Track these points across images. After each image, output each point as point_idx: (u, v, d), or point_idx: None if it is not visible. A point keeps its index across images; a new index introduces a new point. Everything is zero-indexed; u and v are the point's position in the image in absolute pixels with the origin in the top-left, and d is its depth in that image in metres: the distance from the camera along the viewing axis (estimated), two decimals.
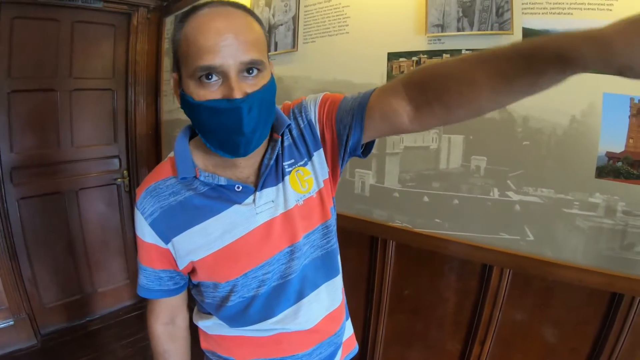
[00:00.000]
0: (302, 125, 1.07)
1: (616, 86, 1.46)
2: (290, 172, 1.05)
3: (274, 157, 1.03)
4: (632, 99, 1.45)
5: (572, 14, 1.52)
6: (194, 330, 1.26)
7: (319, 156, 1.08)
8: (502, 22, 1.65)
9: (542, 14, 1.58)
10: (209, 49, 0.81)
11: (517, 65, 0.71)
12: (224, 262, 1.02)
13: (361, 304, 2.40)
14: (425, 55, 1.85)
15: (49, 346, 3.11)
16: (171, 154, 1.06)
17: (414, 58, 1.89)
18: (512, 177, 1.72)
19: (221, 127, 0.88)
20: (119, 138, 3.45)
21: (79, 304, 3.42)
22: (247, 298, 1.05)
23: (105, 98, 3.34)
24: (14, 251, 2.93)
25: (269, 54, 0.99)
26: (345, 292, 1.31)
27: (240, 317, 1.08)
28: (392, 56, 1.96)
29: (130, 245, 3.58)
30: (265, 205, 1.02)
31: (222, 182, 0.99)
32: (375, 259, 2.25)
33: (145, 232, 1.03)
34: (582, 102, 1.53)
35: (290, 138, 1.07)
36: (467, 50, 1.75)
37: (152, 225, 1.01)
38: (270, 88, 0.92)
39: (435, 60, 1.83)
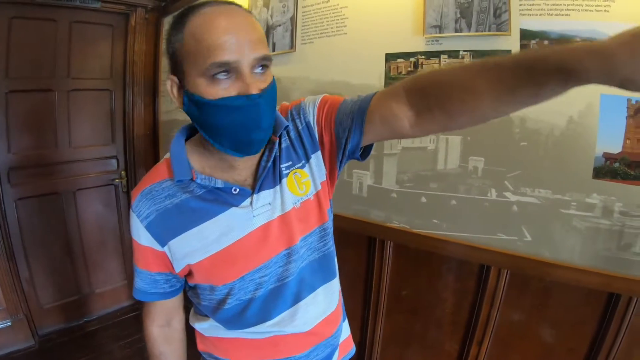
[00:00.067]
0: (300, 127, 1.06)
1: (613, 87, 1.46)
2: (287, 174, 1.05)
3: (272, 159, 1.03)
4: (629, 100, 1.46)
5: (569, 15, 1.52)
6: (190, 332, 1.25)
7: (316, 158, 1.07)
8: (500, 23, 1.65)
9: (540, 15, 1.58)
10: (222, 45, 0.80)
11: (519, 76, 0.71)
12: (220, 265, 1.01)
13: (359, 305, 2.40)
14: (423, 56, 1.86)
15: (46, 347, 3.10)
16: (167, 155, 1.04)
17: (412, 59, 1.89)
18: (509, 177, 1.72)
19: (238, 125, 0.87)
20: (116, 138, 3.44)
21: (77, 305, 3.40)
22: (244, 301, 1.05)
23: (103, 98, 3.33)
24: (11, 252, 2.92)
25: None
26: (343, 292, 1.31)
27: (237, 319, 1.08)
28: (390, 57, 1.97)
29: (128, 246, 3.56)
30: (263, 208, 1.01)
31: (219, 184, 0.98)
32: (373, 260, 2.25)
33: (141, 235, 1.02)
34: (579, 102, 1.53)
35: (288, 140, 1.06)
36: (465, 51, 1.75)
37: (148, 228, 1.00)
38: (275, 84, 0.93)
39: (436, 66, 1.84)
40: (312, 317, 1.13)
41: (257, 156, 1.03)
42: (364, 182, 2.18)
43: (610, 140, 1.51)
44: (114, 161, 3.47)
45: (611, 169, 1.51)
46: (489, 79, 0.75)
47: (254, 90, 0.84)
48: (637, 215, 1.50)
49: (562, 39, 1.54)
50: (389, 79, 1.98)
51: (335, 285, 1.23)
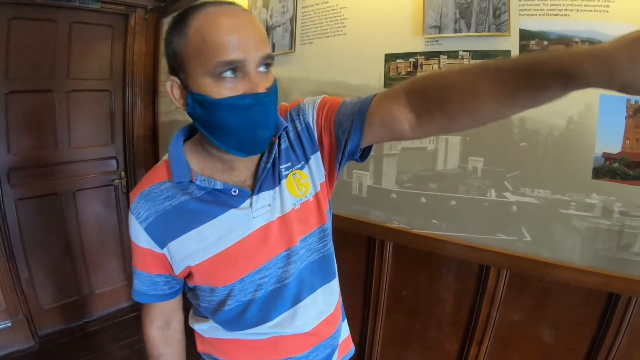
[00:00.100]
0: (299, 128, 1.06)
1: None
2: (287, 175, 1.05)
3: (271, 160, 1.02)
4: (628, 100, 1.46)
5: (569, 15, 1.52)
6: (189, 333, 1.25)
7: (316, 159, 1.07)
8: (499, 24, 1.65)
9: (539, 15, 1.58)
10: (229, 44, 0.80)
11: (519, 79, 0.72)
12: (220, 267, 1.01)
13: (359, 305, 2.40)
14: (423, 57, 1.86)
15: (46, 348, 3.10)
16: (165, 157, 1.04)
17: (411, 59, 1.89)
18: (509, 178, 1.72)
19: (245, 124, 0.87)
20: (116, 139, 3.44)
21: (77, 306, 3.40)
22: (244, 302, 1.05)
23: (103, 99, 3.33)
24: (11, 252, 2.92)
25: None
26: (343, 293, 1.31)
27: (237, 321, 1.08)
28: (390, 57, 1.97)
29: (128, 246, 3.51)
30: (262, 209, 1.01)
31: (219, 186, 0.98)
32: (373, 260, 2.25)
33: (140, 237, 1.02)
34: (579, 103, 1.53)
35: (287, 141, 1.06)
36: (464, 51, 1.75)
37: (147, 229, 1.00)
38: (276, 84, 0.93)
39: (436, 66, 1.84)
40: (311, 318, 1.13)
41: (256, 157, 1.03)
42: (363, 183, 2.19)
43: (610, 140, 1.51)
44: (113, 162, 3.47)
45: (610, 169, 1.51)
46: (490, 82, 0.76)
47: (261, 89, 0.84)
48: (637, 215, 1.50)
49: (562, 40, 1.54)
50: (388, 79, 1.98)
51: (334, 285, 1.23)
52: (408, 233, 2.04)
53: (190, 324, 1.23)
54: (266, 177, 1.02)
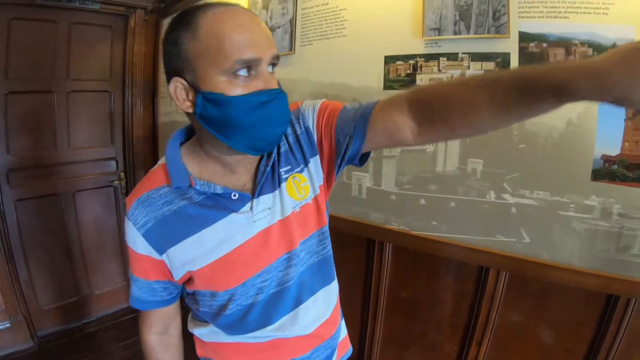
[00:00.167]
0: (299, 132, 1.06)
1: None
2: (286, 178, 1.04)
3: (270, 163, 1.02)
4: None
5: (568, 17, 1.53)
6: (187, 338, 1.24)
7: (315, 163, 1.08)
8: (499, 26, 1.66)
9: (539, 17, 1.58)
10: (246, 42, 0.81)
11: (516, 93, 0.75)
12: (222, 271, 1.00)
13: (358, 306, 2.40)
14: (422, 59, 1.86)
15: (45, 348, 3.10)
16: (162, 161, 1.03)
17: (411, 61, 1.90)
18: (508, 179, 1.73)
19: (262, 120, 0.86)
20: (116, 140, 3.44)
21: (76, 306, 3.40)
22: (245, 306, 1.04)
23: (102, 100, 3.32)
24: (10, 253, 2.92)
25: None
26: (342, 294, 1.31)
27: (238, 324, 1.07)
28: (389, 59, 1.97)
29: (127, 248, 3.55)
30: (263, 213, 1.01)
31: (219, 190, 0.97)
32: (372, 262, 2.25)
33: (138, 243, 1.00)
34: (578, 105, 1.53)
35: (286, 144, 1.06)
36: (464, 53, 1.76)
37: (146, 236, 0.98)
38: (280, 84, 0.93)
39: (435, 68, 1.84)
40: (312, 320, 1.13)
41: (255, 161, 1.03)
42: (363, 184, 2.19)
43: (609, 142, 1.51)
44: (113, 163, 3.47)
45: (610, 171, 1.52)
46: (489, 94, 0.79)
47: (275, 86, 0.86)
48: (636, 217, 1.50)
49: (561, 42, 1.55)
50: (388, 81, 1.99)
51: (334, 287, 1.23)
52: (407, 235, 2.04)
53: (190, 329, 1.22)
54: (266, 181, 1.02)
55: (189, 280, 1.06)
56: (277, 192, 1.03)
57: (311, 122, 1.05)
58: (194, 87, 0.86)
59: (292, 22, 2.34)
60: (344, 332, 1.35)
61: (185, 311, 1.22)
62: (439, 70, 1.83)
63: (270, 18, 2.45)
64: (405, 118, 0.91)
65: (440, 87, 0.94)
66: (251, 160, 1.01)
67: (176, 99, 0.89)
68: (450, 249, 1.91)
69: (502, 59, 1.68)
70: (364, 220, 2.21)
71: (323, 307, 1.17)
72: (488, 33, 1.69)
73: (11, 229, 2.94)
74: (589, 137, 1.54)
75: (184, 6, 3.03)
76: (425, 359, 2.20)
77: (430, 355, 2.17)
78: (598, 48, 1.50)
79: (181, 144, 1.05)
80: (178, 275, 1.03)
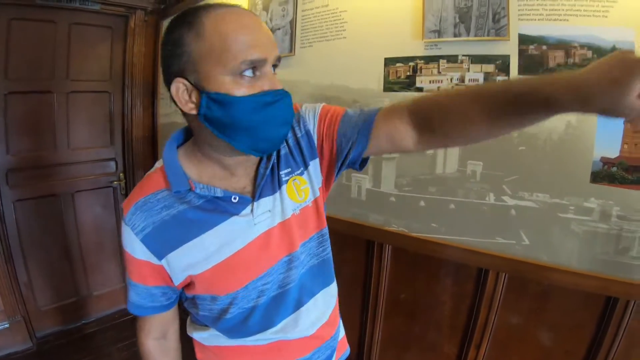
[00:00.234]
0: (299, 135, 1.06)
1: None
2: (287, 181, 1.05)
3: (270, 166, 1.02)
4: None
5: (568, 20, 1.53)
6: (185, 342, 1.23)
7: (314, 165, 1.08)
8: (499, 28, 1.66)
9: (539, 20, 1.59)
10: (253, 43, 0.81)
11: (507, 106, 0.81)
12: (223, 275, 0.99)
13: (357, 308, 2.40)
14: (422, 61, 1.86)
15: (44, 349, 3.10)
16: (159, 164, 1.02)
17: (411, 63, 1.90)
18: (507, 181, 1.73)
19: (268, 120, 0.86)
20: (115, 141, 3.44)
21: (75, 307, 3.40)
22: (247, 309, 1.04)
23: (102, 100, 3.32)
24: (9, 254, 2.92)
25: None
26: (342, 295, 1.31)
27: (240, 328, 1.07)
28: (389, 61, 1.97)
29: None
30: (263, 216, 1.00)
31: (219, 193, 0.96)
32: (372, 263, 2.25)
33: (137, 249, 0.98)
34: None
35: (286, 147, 1.06)
36: (463, 55, 1.76)
37: (144, 241, 0.96)
38: None
39: (435, 70, 1.85)
40: (313, 322, 1.14)
41: (255, 163, 1.03)
42: (362, 186, 2.19)
43: (608, 144, 1.51)
44: (112, 163, 3.47)
45: (609, 174, 1.52)
46: (482, 107, 0.84)
47: (280, 86, 0.86)
48: (635, 219, 1.50)
49: (560, 44, 1.55)
50: (388, 83, 1.99)
51: (333, 289, 1.24)
52: (407, 236, 2.05)
53: (189, 333, 1.22)
54: (266, 183, 1.02)
55: (189, 284, 1.04)
56: (277, 194, 1.03)
57: (312, 126, 1.06)
58: (197, 88, 0.85)
59: (292, 23, 2.34)
60: (342, 332, 1.36)
61: (183, 315, 1.22)
62: (439, 72, 1.83)
63: (271, 19, 2.45)
64: (407, 126, 0.96)
65: (438, 98, 0.98)
66: (251, 162, 1.01)
67: (178, 101, 0.88)
68: (449, 250, 1.91)
69: (502, 62, 1.68)
70: (364, 222, 2.21)
71: (323, 308, 1.17)
72: (488, 35, 1.69)
73: (10, 229, 2.94)
74: (589, 140, 1.54)
75: (184, 7, 3.01)
76: None
77: (429, 356, 2.17)
78: (598, 51, 1.50)
79: (178, 146, 1.04)
80: (178, 280, 1.02)
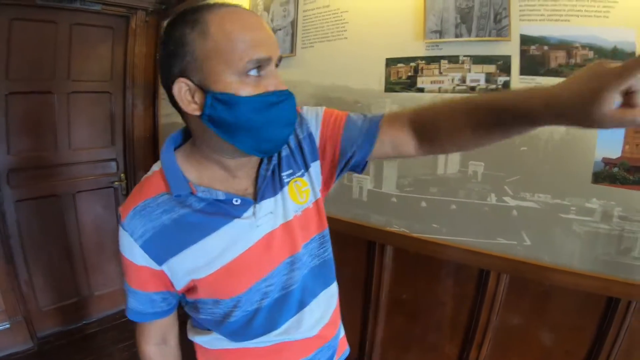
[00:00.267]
0: (301, 137, 1.06)
1: None
2: (288, 182, 1.04)
3: (271, 167, 1.02)
4: None
5: (569, 20, 1.53)
6: (185, 345, 1.22)
7: (315, 167, 1.08)
8: (500, 29, 1.66)
9: (540, 20, 1.59)
10: (259, 42, 0.80)
11: (493, 119, 0.86)
12: (227, 279, 0.98)
13: (358, 308, 2.40)
14: (423, 61, 1.86)
15: (45, 349, 3.09)
16: (156, 167, 1.00)
17: (412, 64, 1.90)
18: (509, 182, 1.73)
19: (273, 121, 0.85)
20: (116, 141, 3.43)
21: (76, 307, 3.39)
22: (250, 312, 1.03)
23: (103, 101, 3.32)
24: (10, 254, 2.91)
25: None
26: (343, 296, 1.31)
27: (244, 331, 1.06)
28: (391, 62, 1.97)
29: None
30: (265, 217, 1.00)
31: (221, 196, 0.95)
32: (373, 264, 2.26)
33: (136, 255, 0.95)
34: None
35: (287, 148, 1.06)
36: (465, 56, 1.76)
37: (144, 246, 0.94)
38: None
39: (436, 71, 1.86)
40: (316, 322, 1.14)
41: (256, 165, 1.03)
42: (364, 187, 2.19)
43: (610, 145, 1.52)
44: (113, 164, 3.46)
45: (610, 174, 1.52)
46: (471, 120, 0.90)
47: (284, 87, 0.86)
48: (636, 220, 1.51)
49: (562, 45, 1.55)
50: (389, 83, 1.99)
51: (334, 288, 1.24)
52: (408, 237, 2.05)
53: (190, 337, 1.20)
54: (267, 185, 1.01)
55: (191, 289, 1.02)
56: (278, 196, 1.03)
57: (314, 128, 1.07)
58: (201, 88, 0.83)
59: (294, 24, 2.34)
60: (342, 331, 1.36)
61: (182, 318, 1.20)
62: (440, 73, 1.83)
63: (272, 20, 2.45)
64: (408, 134, 1.02)
65: (435, 110, 1.02)
66: (252, 164, 1.01)
67: (180, 101, 0.85)
68: (450, 251, 1.91)
69: (503, 62, 1.68)
70: (365, 223, 2.21)
71: (325, 308, 1.17)
72: (489, 36, 1.70)
73: (11, 229, 2.94)
74: (590, 140, 1.54)
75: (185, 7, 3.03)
76: None
77: (430, 357, 2.18)
78: (599, 51, 1.50)
79: (175, 148, 1.02)
80: (180, 285, 1.00)
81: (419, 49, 1.88)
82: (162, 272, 0.98)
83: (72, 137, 3.16)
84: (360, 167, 1.10)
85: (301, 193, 1.07)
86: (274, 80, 0.84)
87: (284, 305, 1.06)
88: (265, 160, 1.02)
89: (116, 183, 3.47)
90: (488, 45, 1.71)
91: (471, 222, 1.85)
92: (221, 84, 0.81)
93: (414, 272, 2.13)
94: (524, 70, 1.64)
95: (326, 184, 1.13)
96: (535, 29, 1.61)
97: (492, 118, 0.86)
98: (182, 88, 0.84)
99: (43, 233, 3.12)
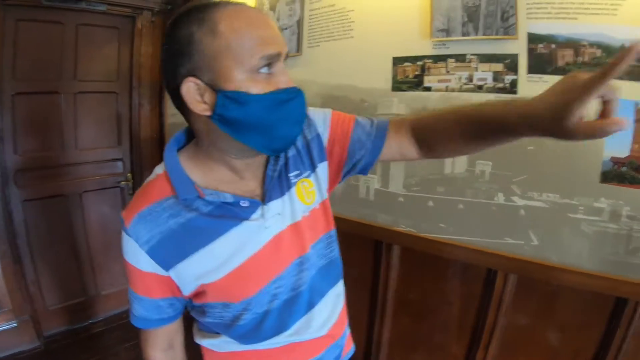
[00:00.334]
0: (309, 137, 1.06)
1: (621, 91, 1.47)
2: (295, 183, 1.04)
3: (278, 168, 1.01)
4: (636, 105, 1.46)
5: (577, 18, 1.53)
6: (190, 348, 1.20)
7: (322, 168, 1.09)
8: (507, 27, 1.65)
9: (547, 18, 1.58)
10: (268, 38, 0.80)
11: (481, 129, 0.92)
12: (237, 282, 0.96)
13: (365, 308, 2.40)
14: (430, 60, 1.86)
15: (52, 348, 3.10)
16: (159, 170, 0.97)
17: (419, 63, 1.90)
18: (516, 181, 1.72)
19: (285, 118, 0.85)
20: (123, 141, 3.44)
21: (82, 307, 3.41)
22: (260, 314, 1.01)
23: (109, 101, 3.32)
24: (17, 253, 2.93)
25: None
26: (349, 295, 1.30)
27: (254, 333, 1.05)
28: (397, 61, 1.97)
29: None
30: (273, 219, 0.98)
31: (229, 199, 0.93)
32: (380, 263, 2.25)
33: (142, 261, 0.93)
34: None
35: (294, 148, 1.06)
36: (472, 55, 1.76)
37: (150, 252, 0.91)
38: None
39: (443, 70, 1.86)
40: (325, 321, 1.13)
41: (262, 165, 1.02)
42: (371, 186, 2.19)
43: (618, 144, 1.51)
44: (120, 163, 3.47)
45: (619, 173, 1.51)
46: (462, 130, 0.97)
47: (293, 84, 0.85)
48: None
49: (570, 42, 1.55)
50: (396, 82, 1.99)
51: (341, 287, 1.23)
52: (415, 236, 2.04)
53: (197, 340, 1.18)
54: (274, 186, 1.01)
55: (199, 293, 1.00)
56: (286, 196, 1.02)
57: (322, 129, 1.08)
58: (211, 87, 0.81)
59: (300, 23, 2.34)
60: (348, 329, 1.35)
61: (187, 321, 1.17)
62: (447, 71, 1.83)
63: (278, 19, 2.45)
64: (410, 140, 1.09)
65: (432, 118, 1.09)
66: (259, 165, 1.00)
67: (189, 101, 0.83)
68: (458, 251, 1.91)
69: (511, 61, 1.68)
70: (372, 222, 2.21)
71: (333, 307, 1.17)
72: (496, 34, 1.69)
73: (18, 229, 2.95)
74: (598, 139, 1.53)
75: None
76: None
77: (437, 357, 2.17)
78: (607, 49, 1.50)
79: (178, 149, 1.00)
80: (189, 290, 0.98)
81: (425, 48, 1.88)
82: (169, 278, 0.95)
83: (78, 137, 3.17)
84: (366, 170, 1.13)
85: (308, 194, 1.06)
86: (284, 78, 0.83)
87: (293, 306, 1.05)
88: (271, 161, 1.01)
89: (123, 183, 3.47)
90: (495, 44, 1.70)
91: (479, 221, 1.85)
92: (232, 83, 0.79)
93: (420, 272, 2.13)
94: (532, 69, 1.64)
95: (331, 185, 1.13)
96: (542, 27, 1.60)
97: (476, 128, 0.93)
98: (191, 88, 0.82)
99: (50, 233, 3.13)
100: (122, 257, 0.97)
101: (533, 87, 1.63)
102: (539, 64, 1.62)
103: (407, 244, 2.11)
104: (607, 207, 1.56)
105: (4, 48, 2.72)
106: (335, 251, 1.17)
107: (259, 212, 0.97)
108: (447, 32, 1.80)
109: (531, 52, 1.63)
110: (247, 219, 0.95)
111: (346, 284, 1.26)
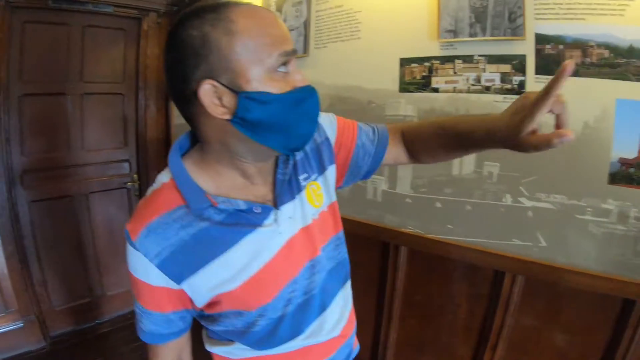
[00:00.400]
0: (319, 141, 1.08)
1: (629, 92, 1.47)
2: (305, 186, 1.04)
3: (288, 171, 1.00)
4: None
5: (584, 19, 1.52)
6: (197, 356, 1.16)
7: (331, 171, 1.10)
8: (515, 28, 1.65)
9: (555, 19, 1.58)
10: (282, 36, 0.79)
11: (455, 142, 1.03)
12: (254, 290, 0.94)
13: (372, 309, 2.40)
14: (438, 61, 1.86)
15: (57, 349, 3.12)
16: (164, 179, 0.92)
17: (427, 64, 1.90)
18: (524, 183, 1.72)
19: (302, 118, 0.84)
20: (129, 142, 3.45)
21: (88, 307, 3.42)
22: (275, 319, 0.99)
23: (116, 102, 3.33)
24: (24, 254, 2.94)
25: None
26: (357, 297, 1.30)
27: (269, 339, 1.03)
28: (405, 62, 1.97)
29: None
30: (286, 223, 0.97)
31: (242, 206, 0.90)
32: (387, 265, 2.25)
33: (152, 275, 0.88)
34: (595, 108, 1.53)
35: (302, 152, 1.06)
36: (479, 55, 1.76)
37: (161, 266, 0.86)
38: None
39: (451, 70, 1.86)
40: (336, 322, 1.13)
41: (272, 170, 1.00)
42: (378, 187, 2.19)
43: (626, 145, 1.51)
44: (126, 164, 3.48)
45: (627, 175, 1.51)
46: (440, 141, 1.09)
47: (308, 82, 0.85)
48: None
49: (577, 43, 1.55)
50: (403, 83, 1.99)
51: (348, 287, 1.23)
52: (422, 238, 2.04)
53: (209, 348, 1.15)
54: (285, 190, 1.00)
55: (213, 303, 0.96)
56: (296, 200, 1.01)
57: (330, 133, 1.11)
58: (231, 89, 0.77)
59: (306, 24, 2.34)
60: (355, 329, 1.36)
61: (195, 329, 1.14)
62: (455, 73, 1.83)
63: (284, 20, 2.45)
64: (403, 147, 1.21)
65: (419, 128, 1.19)
66: (269, 169, 0.98)
67: (207, 105, 0.79)
68: (465, 252, 1.91)
69: (519, 61, 1.67)
70: (379, 224, 2.21)
71: (343, 308, 1.17)
72: (504, 35, 1.69)
73: (25, 230, 2.97)
74: (606, 140, 1.53)
75: None
76: None
77: (444, 358, 2.17)
78: (615, 50, 1.49)
79: (181, 155, 0.96)
80: (203, 301, 0.94)
81: (433, 49, 1.88)
82: (182, 291, 0.92)
83: (85, 138, 3.18)
84: (370, 175, 1.22)
85: (317, 197, 1.07)
86: (299, 76, 0.83)
87: (306, 309, 1.04)
88: (281, 165, 1.00)
89: (129, 184, 3.48)
90: (503, 45, 1.70)
91: (486, 223, 1.84)
92: (253, 83, 0.77)
93: (428, 273, 2.13)
94: (540, 70, 1.64)
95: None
96: (550, 28, 1.60)
97: (451, 141, 1.04)
98: (209, 90, 0.78)
99: (56, 233, 3.14)
100: (129, 272, 0.92)
101: (541, 88, 1.62)
102: (547, 65, 1.62)
103: (414, 245, 2.11)
104: (615, 209, 1.55)
105: (10, 50, 2.74)
106: (344, 252, 1.17)
107: (271, 217, 0.95)
108: (455, 33, 1.80)
109: (539, 52, 1.63)
110: (260, 225, 0.93)
111: (353, 285, 1.26)
